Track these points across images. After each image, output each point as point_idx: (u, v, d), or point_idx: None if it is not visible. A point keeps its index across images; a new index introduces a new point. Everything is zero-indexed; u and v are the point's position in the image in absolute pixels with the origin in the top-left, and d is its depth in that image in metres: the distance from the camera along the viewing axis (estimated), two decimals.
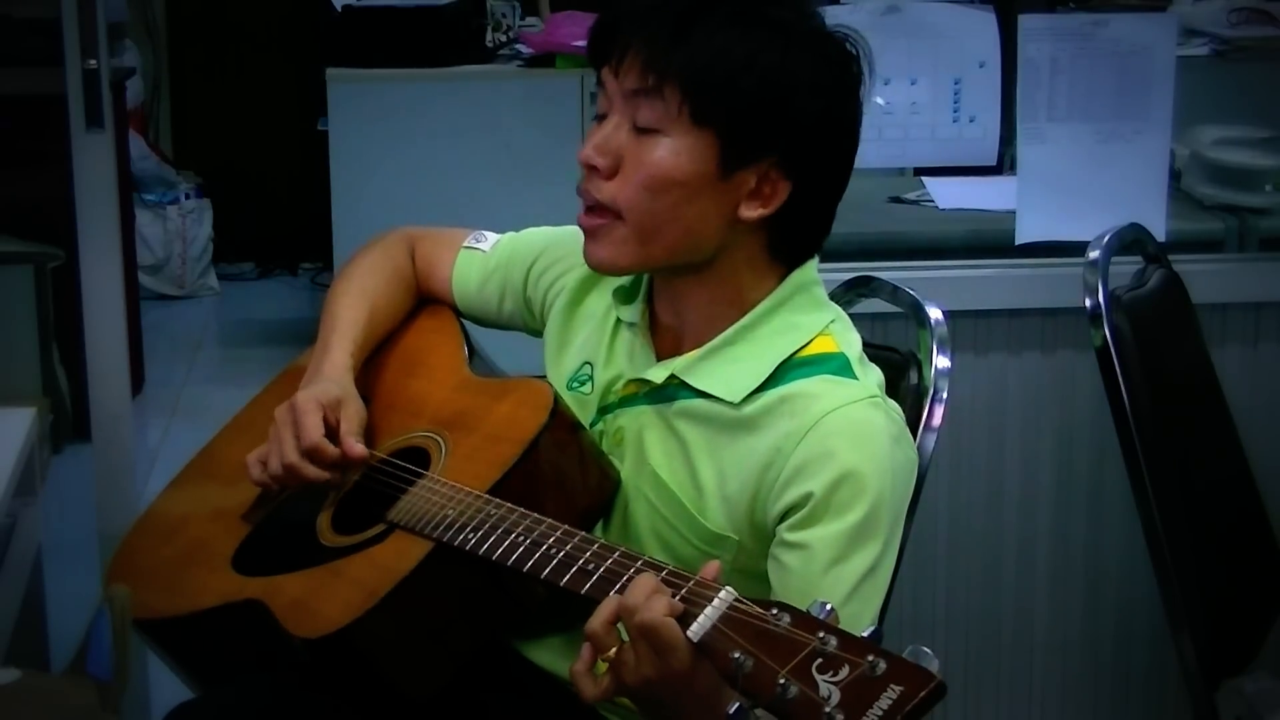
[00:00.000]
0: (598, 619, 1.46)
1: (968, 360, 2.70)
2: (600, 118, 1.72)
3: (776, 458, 1.66)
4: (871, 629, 1.32)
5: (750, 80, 1.64)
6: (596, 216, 1.71)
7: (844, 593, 1.62)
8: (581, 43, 4.15)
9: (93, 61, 2.78)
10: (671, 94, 1.65)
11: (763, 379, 1.70)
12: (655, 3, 1.67)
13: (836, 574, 1.62)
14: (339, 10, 4.34)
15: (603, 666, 1.47)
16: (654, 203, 1.68)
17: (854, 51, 1.71)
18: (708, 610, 1.38)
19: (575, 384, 1.84)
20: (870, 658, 1.26)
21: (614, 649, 1.45)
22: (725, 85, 1.64)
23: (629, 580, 1.47)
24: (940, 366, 2.01)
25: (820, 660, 1.28)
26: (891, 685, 1.24)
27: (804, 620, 1.32)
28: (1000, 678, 2.87)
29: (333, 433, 1.81)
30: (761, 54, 1.64)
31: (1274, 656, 2.41)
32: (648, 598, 1.43)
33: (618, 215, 1.69)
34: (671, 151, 1.66)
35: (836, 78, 1.69)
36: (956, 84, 2.77)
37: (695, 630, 1.38)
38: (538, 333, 1.96)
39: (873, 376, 1.74)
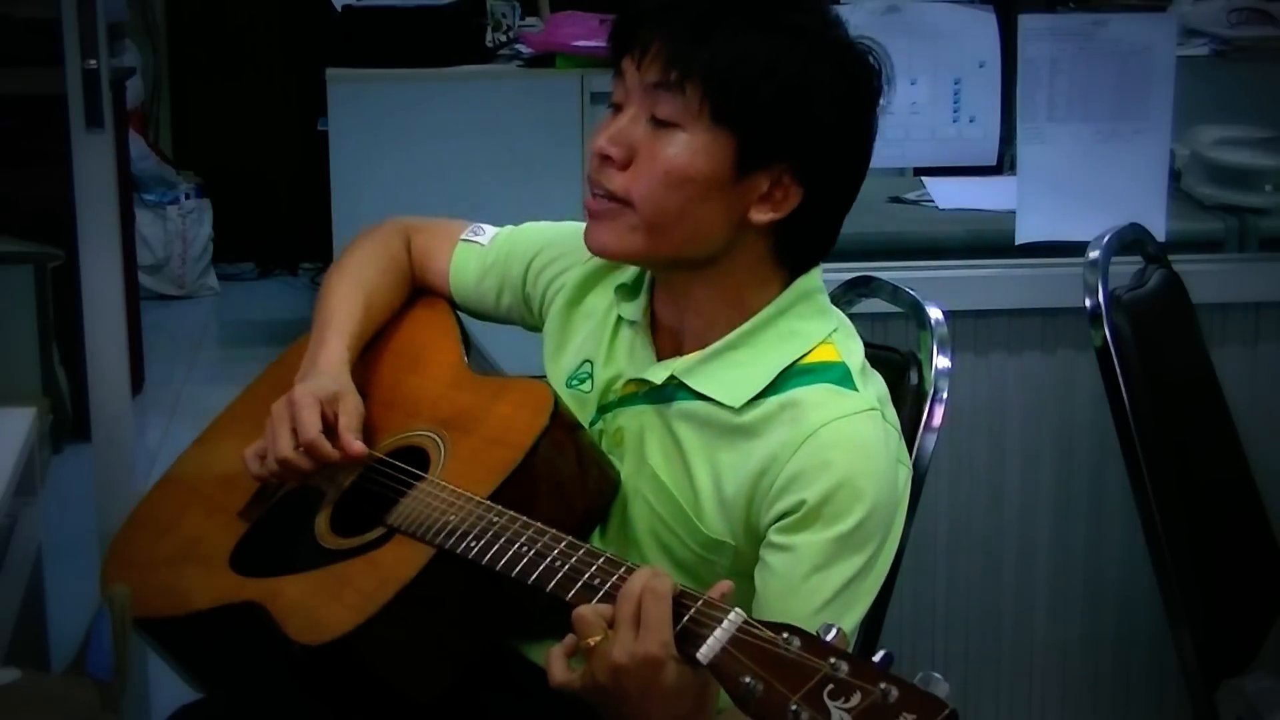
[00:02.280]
0: (591, 607, 1.47)
1: (968, 360, 2.70)
2: (615, 107, 1.72)
3: (772, 465, 1.66)
4: (884, 654, 1.31)
5: (771, 86, 1.64)
6: (606, 202, 1.71)
7: (824, 599, 1.62)
8: (582, 43, 4.16)
9: (93, 61, 2.77)
10: (693, 91, 1.65)
11: (763, 385, 1.70)
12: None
13: (818, 580, 1.62)
14: (339, 10, 4.34)
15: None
16: (666, 197, 1.67)
17: (875, 65, 1.71)
18: (717, 633, 1.38)
19: (575, 382, 1.84)
20: (883, 685, 1.25)
21: (597, 638, 1.45)
22: (746, 88, 1.64)
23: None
24: (940, 367, 2.01)
25: (832, 686, 1.27)
26: (904, 714, 1.23)
27: (814, 645, 1.31)
28: (1000, 678, 2.87)
29: (330, 428, 1.81)
30: (783, 60, 1.64)
31: (1274, 656, 2.41)
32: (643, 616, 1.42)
33: (629, 205, 1.69)
34: (688, 148, 1.66)
35: (856, 90, 1.69)
36: (956, 84, 2.77)
37: (705, 653, 1.38)
38: (535, 328, 1.95)
39: (873, 388, 1.74)
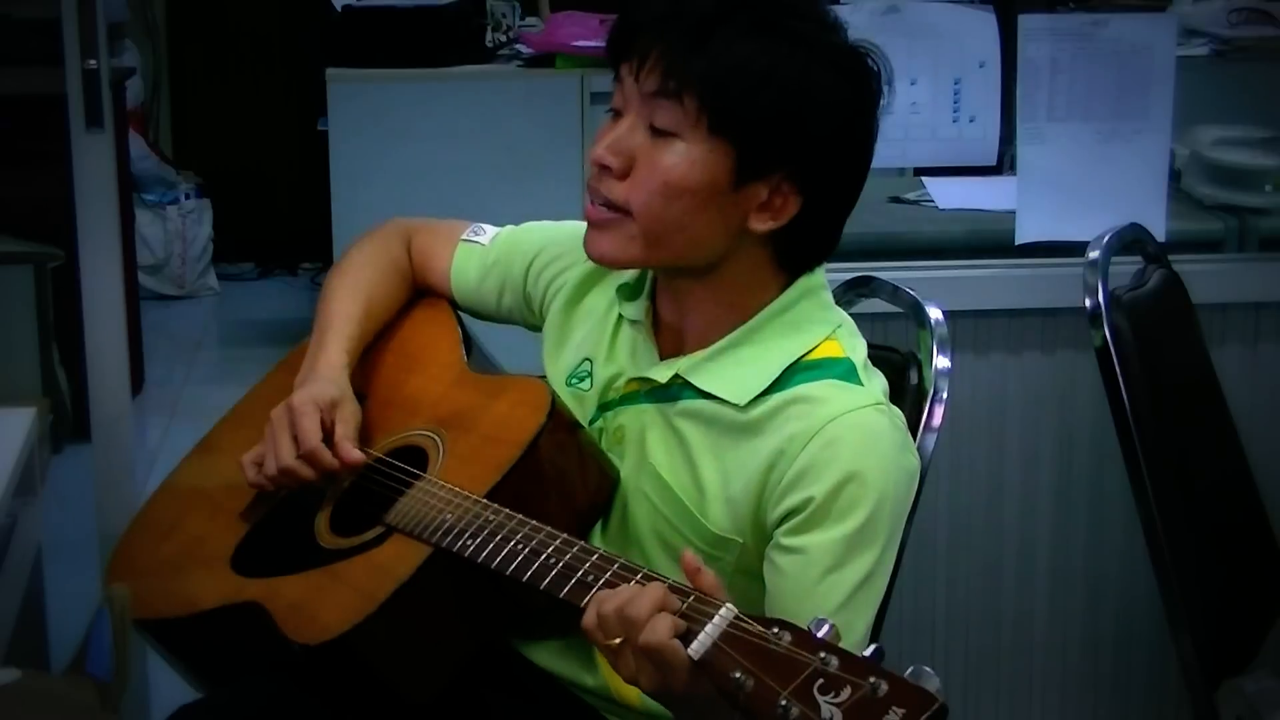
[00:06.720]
0: (590, 618, 1.46)
1: (968, 360, 2.70)
2: (614, 113, 1.72)
3: (780, 460, 1.66)
4: (874, 648, 1.31)
5: (769, 94, 1.63)
6: (606, 211, 1.71)
7: (838, 601, 1.61)
8: (582, 43, 4.16)
9: (93, 61, 2.77)
10: (690, 101, 1.64)
11: (769, 382, 1.70)
12: (678, 7, 1.66)
13: (832, 581, 1.62)
14: (339, 10, 4.34)
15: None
16: (665, 208, 1.67)
17: (874, 68, 1.70)
18: (708, 628, 1.37)
19: (574, 380, 1.84)
20: (872, 679, 1.25)
21: (616, 640, 1.44)
22: (744, 97, 1.63)
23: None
24: (940, 367, 2.01)
25: (821, 681, 1.27)
26: (894, 707, 1.23)
27: (805, 639, 1.31)
28: (1000, 678, 2.87)
29: (329, 435, 1.81)
30: (781, 67, 1.63)
31: (1274, 656, 2.41)
32: (652, 615, 1.41)
33: (628, 214, 1.69)
34: (686, 158, 1.66)
35: (855, 94, 1.68)
36: (956, 84, 2.77)
37: (696, 649, 1.37)
38: (536, 327, 1.95)
39: (877, 383, 1.74)
